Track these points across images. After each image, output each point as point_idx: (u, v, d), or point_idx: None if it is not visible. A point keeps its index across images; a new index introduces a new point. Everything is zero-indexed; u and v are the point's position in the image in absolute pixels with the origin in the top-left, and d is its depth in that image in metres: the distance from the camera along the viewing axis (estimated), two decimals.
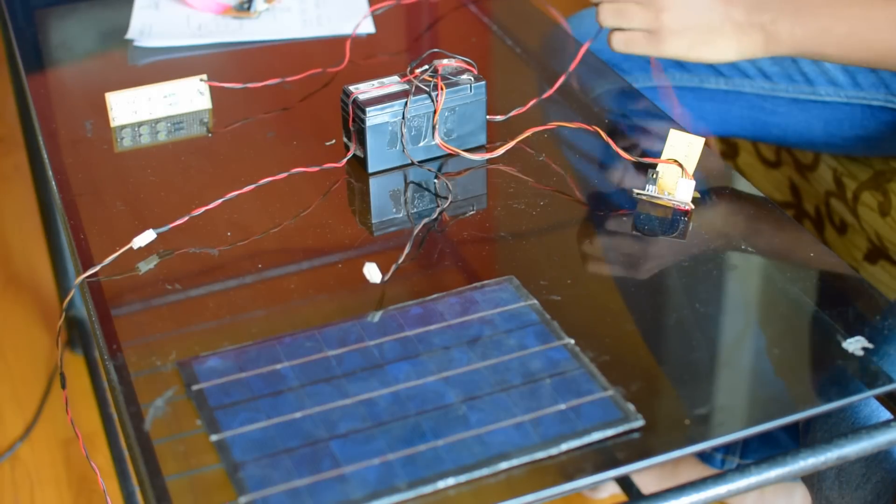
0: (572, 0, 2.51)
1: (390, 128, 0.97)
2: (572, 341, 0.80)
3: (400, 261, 0.87)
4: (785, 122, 1.28)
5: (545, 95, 1.06)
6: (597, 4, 1.02)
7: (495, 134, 1.03)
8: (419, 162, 0.99)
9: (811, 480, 0.98)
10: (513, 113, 1.03)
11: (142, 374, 0.79)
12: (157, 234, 0.90)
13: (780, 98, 1.26)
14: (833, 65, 1.23)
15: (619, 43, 1.01)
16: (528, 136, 1.01)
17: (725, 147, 1.59)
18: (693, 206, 0.92)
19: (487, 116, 1.01)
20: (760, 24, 0.97)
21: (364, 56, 1.22)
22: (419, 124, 0.98)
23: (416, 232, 0.91)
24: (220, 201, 0.93)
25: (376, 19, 1.26)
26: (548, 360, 0.78)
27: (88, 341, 1.73)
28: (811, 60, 1.23)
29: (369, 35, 1.24)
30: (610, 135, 0.98)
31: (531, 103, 1.04)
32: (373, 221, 0.95)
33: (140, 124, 1.07)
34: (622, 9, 0.99)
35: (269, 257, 0.90)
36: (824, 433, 0.92)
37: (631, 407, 0.74)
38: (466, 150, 1.00)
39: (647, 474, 1.43)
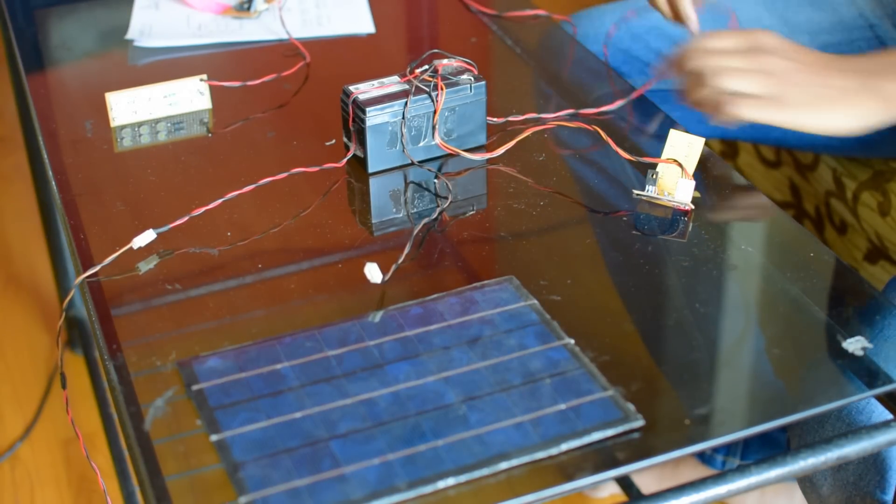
0: (572, 3, 2.51)
1: (390, 128, 0.97)
2: (572, 341, 0.80)
3: (400, 261, 0.87)
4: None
5: (599, 109, 1.06)
6: (705, 64, 0.94)
7: (495, 134, 1.03)
8: (419, 162, 0.99)
9: None
10: (511, 119, 1.04)
11: (142, 374, 0.79)
12: (157, 234, 0.90)
13: None
14: None
15: (735, 107, 0.92)
16: (528, 136, 1.01)
17: (725, 147, 1.59)
18: (693, 206, 0.92)
19: (487, 118, 1.01)
20: (877, 89, 0.93)
21: (364, 56, 1.22)
22: (419, 124, 0.98)
23: (416, 232, 0.91)
24: (220, 201, 0.93)
25: (376, 19, 1.26)
26: (548, 360, 0.78)
27: (88, 341, 1.73)
28: None
29: (369, 35, 1.24)
30: (610, 135, 0.98)
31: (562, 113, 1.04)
32: (373, 221, 0.95)
33: (140, 124, 1.07)
34: (742, 71, 0.91)
35: (269, 257, 0.90)
36: (814, 433, 0.93)
37: (631, 407, 0.74)
38: (466, 150, 1.00)
39: (648, 474, 1.43)
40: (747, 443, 1.47)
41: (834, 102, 0.92)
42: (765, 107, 0.91)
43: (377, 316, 0.83)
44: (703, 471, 1.47)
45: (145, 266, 0.88)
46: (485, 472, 0.70)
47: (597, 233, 0.93)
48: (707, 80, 0.93)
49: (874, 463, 0.91)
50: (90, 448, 1.62)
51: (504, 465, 0.70)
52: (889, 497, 0.91)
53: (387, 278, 0.86)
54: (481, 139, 1.01)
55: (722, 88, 0.93)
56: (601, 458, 0.72)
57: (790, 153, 1.45)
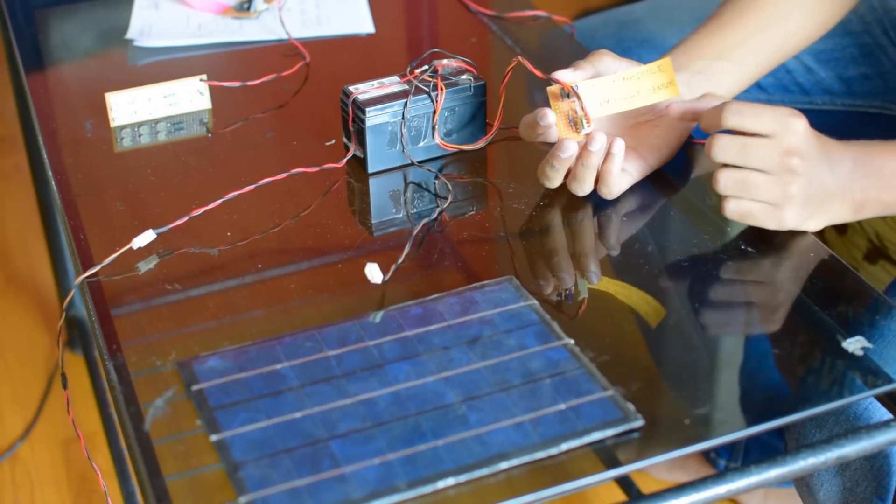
0: (572, 3, 2.52)
1: (390, 128, 0.97)
2: (572, 341, 0.80)
3: (400, 261, 0.87)
4: None
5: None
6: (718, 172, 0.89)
7: (495, 134, 1.02)
8: (419, 162, 0.99)
9: None
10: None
11: (142, 374, 0.79)
12: (157, 234, 0.90)
13: None
14: (828, 74, 1.23)
15: (736, 214, 0.88)
16: None
17: None
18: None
19: (487, 119, 1.01)
20: (852, 194, 0.89)
21: (364, 56, 1.22)
22: (419, 124, 0.98)
23: (415, 232, 0.91)
24: (220, 201, 0.93)
25: (376, 19, 1.26)
26: (548, 360, 0.78)
27: (88, 341, 1.73)
28: (805, 70, 1.23)
29: (369, 35, 1.24)
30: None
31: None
32: (372, 221, 0.95)
33: (140, 124, 1.07)
34: (748, 180, 0.87)
35: (269, 257, 0.90)
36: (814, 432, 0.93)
37: (631, 407, 0.74)
38: (466, 151, 1.00)
39: (654, 466, 1.43)
40: (748, 449, 1.47)
41: (822, 205, 0.89)
42: (760, 212, 0.88)
43: (377, 316, 0.83)
44: (708, 469, 1.48)
45: (145, 266, 0.88)
46: (485, 472, 0.70)
47: (597, 232, 0.93)
48: (714, 185, 0.89)
49: (871, 469, 0.91)
50: (90, 448, 1.62)
51: (504, 465, 0.70)
52: (887, 503, 0.90)
53: (387, 278, 0.86)
54: (481, 139, 1.01)
55: (724, 194, 0.89)
56: (601, 458, 0.72)
57: None
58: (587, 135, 0.91)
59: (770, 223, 0.88)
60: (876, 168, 0.89)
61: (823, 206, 0.89)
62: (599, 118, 0.94)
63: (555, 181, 0.93)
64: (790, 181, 0.86)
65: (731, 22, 1.02)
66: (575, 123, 0.93)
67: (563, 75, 0.94)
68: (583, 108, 0.92)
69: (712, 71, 1.00)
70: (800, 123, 0.86)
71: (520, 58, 0.96)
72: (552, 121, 0.93)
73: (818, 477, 0.94)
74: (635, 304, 0.84)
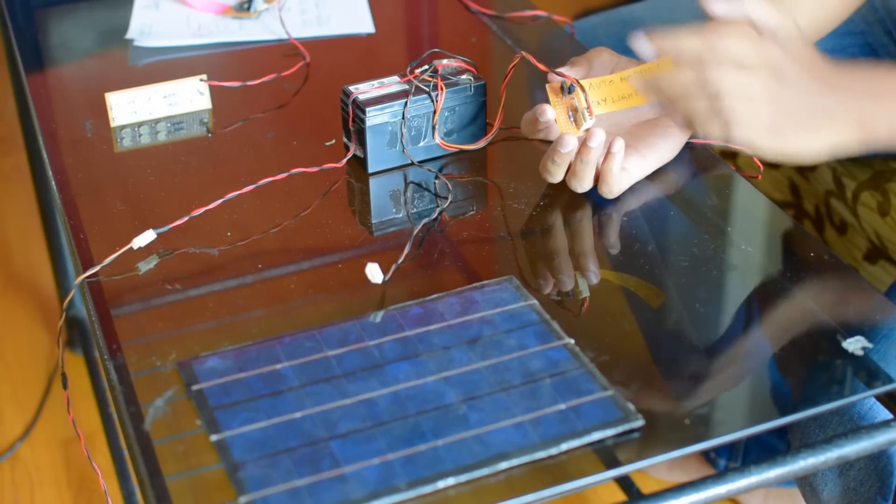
0: (572, 3, 2.51)
1: (390, 128, 0.97)
2: (572, 341, 0.80)
3: (400, 261, 0.87)
4: None
5: None
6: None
7: (495, 134, 1.02)
8: (419, 162, 0.99)
9: None
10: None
11: (142, 374, 0.79)
12: (157, 234, 0.90)
13: None
14: None
15: (701, 127, 0.85)
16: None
17: (724, 147, 1.59)
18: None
19: (487, 119, 1.01)
20: (857, 113, 0.84)
21: (364, 56, 1.22)
22: (419, 124, 0.98)
23: (415, 232, 0.91)
24: (220, 201, 0.93)
25: (376, 19, 1.26)
26: (548, 360, 0.78)
27: (88, 341, 1.73)
28: None
29: (369, 35, 1.24)
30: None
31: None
32: (373, 221, 0.95)
33: (140, 124, 1.07)
34: (704, 96, 0.83)
35: (269, 257, 0.90)
36: (816, 431, 0.93)
37: (631, 407, 0.74)
38: (466, 151, 1.00)
39: (654, 466, 1.43)
40: (747, 450, 1.47)
41: (805, 123, 0.84)
42: (707, 121, 0.84)
43: (377, 316, 0.83)
44: (708, 470, 1.48)
45: (145, 266, 0.88)
46: (485, 471, 0.70)
47: (597, 232, 0.93)
48: (674, 104, 0.87)
49: (875, 468, 0.91)
50: (90, 448, 1.62)
51: (504, 465, 0.70)
52: (890, 503, 0.90)
53: (387, 278, 0.86)
54: (481, 139, 1.01)
55: (689, 112, 0.86)
56: (601, 458, 0.72)
57: None
58: (587, 130, 0.91)
59: (719, 133, 0.84)
60: (890, 92, 0.85)
61: (820, 127, 0.84)
62: (598, 118, 0.94)
63: (556, 176, 0.93)
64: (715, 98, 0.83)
65: None
66: (575, 119, 0.93)
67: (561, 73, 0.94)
68: (586, 100, 0.92)
69: None
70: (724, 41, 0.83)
71: (523, 53, 0.96)
72: (551, 117, 0.93)
73: (821, 476, 0.94)
74: (633, 287, 0.84)
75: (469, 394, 0.75)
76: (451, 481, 0.70)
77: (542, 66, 0.94)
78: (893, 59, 1.21)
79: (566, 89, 0.93)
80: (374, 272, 0.85)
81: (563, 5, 2.16)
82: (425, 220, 0.93)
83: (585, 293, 0.86)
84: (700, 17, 1.10)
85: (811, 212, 1.44)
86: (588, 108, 0.92)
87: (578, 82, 0.92)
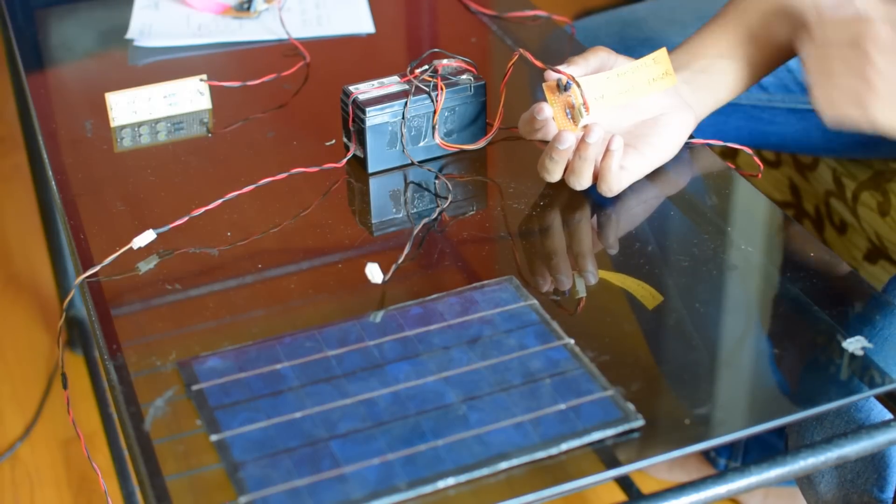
0: (572, 3, 2.52)
1: (390, 128, 0.97)
2: (572, 341, 0.80)
3: (400, 261, 0.87)
4: (783, 131, 1.28)
5: None
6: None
7: (495, 134, 1.03)
8: (419, 162, 0.99)
9: None
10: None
11: (142, 374, 0.79)
12: (157, 234, 0.90)
13: (778, 108, 1.26)
14: None
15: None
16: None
17: (725, 147, 1.59)
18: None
19: (487, 119, 1.01)
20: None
21: (364, 56, 1.22)
22: (419, 124, 0.98)
23: (415, 232, 0.91)
24: (220, 201, 0.93)
25: (376, 19, 1.26)
26: (548, 360, 0.78)
27: (88, 341, 1.73)
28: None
29: (369, 35, 1.24)
30: None
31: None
32: (373, 221, 0.95)
33: (140, 124, 1.07)
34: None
35: (269, 257, 0.90)
36: (815, 431, 0.93)
37: (631, 407, 0.74)
38: (466, 151, 1.00)
39: (654, 466, 1.43)
40: (747, 450, 1.47)
41: None
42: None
43: (377, 316, 0.83)
44: (708, 470, 1.47)
45: (145, 266, 0.88)
46: (485, 471, 0.70)
47: (597, 232, 0.93)
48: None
49: (872, 461, 0.91)
50: (90, 448, 1.62)
51: (504, 465, 0.70)
52: (887, 495, 0.91)
53: (387, 278, 0.86)
54: (481, 139, 1.01)
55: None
56: (601, 458, 0.72)
57: (790, 153, 1.45)
58: (585, 127, 0.91)
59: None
60: None
61: None
62: (597, 115, 0.94)
63: (555, 174, 0.93)
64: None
65: (734, 21, 1.02)
66: (573, 116, 0.93)
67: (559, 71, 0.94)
68: (582, 96, 0.92)
69: (714, 69, 1.00)
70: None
71: (521, 50, 0.96)
72: (549, 114, 0.93)
73: (819, 471, 0.94)
74: (631, 288, 0.84)
75: (469, 394, 0.75)
76: (451, 481, 0.70)
77: (538, 63, 0.94)
78: None
79: (562, 87, 0.93)
80: (374, 272, 0.85)
81: (563, 5, 2.16)
82: (425, 220, 0.93)
83: (584, 293, 0.86)
84: (701, 16, 1.10)
85: (811, 212, 1.44)
86: (584, 103, 0.92)
87: (574, 79, 0.92)
